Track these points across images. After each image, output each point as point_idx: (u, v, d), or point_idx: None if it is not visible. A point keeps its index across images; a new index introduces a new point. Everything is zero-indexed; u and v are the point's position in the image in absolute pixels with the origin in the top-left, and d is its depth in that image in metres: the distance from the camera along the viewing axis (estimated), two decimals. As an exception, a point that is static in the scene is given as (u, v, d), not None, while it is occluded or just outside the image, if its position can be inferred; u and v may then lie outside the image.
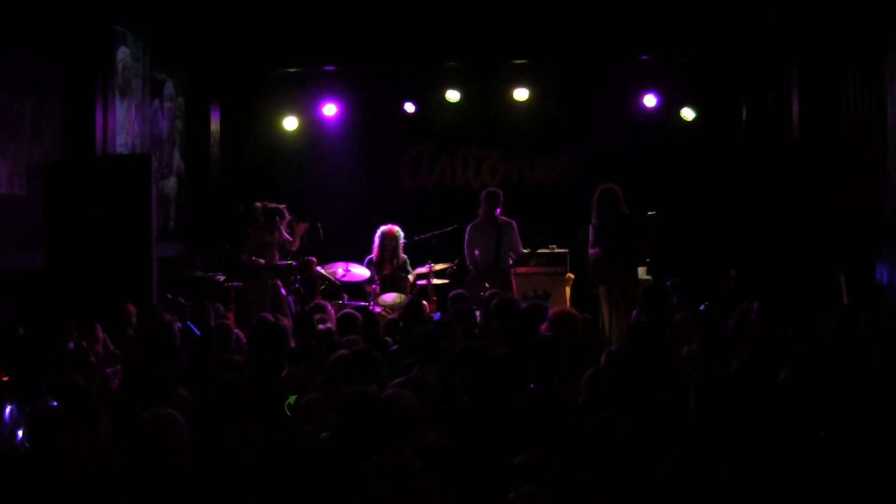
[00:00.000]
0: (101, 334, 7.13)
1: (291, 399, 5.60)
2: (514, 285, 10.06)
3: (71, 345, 6.56)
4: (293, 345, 7.03)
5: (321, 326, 7.36)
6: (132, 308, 8.07)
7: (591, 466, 3.67)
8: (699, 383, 4.38)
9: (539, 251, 10.43)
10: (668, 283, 9.39)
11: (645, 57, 12.12)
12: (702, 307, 7.58)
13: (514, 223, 10.22)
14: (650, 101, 12.33)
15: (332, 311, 8.39)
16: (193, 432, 4.34)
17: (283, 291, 10.33)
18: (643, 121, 12.35)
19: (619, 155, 12.05)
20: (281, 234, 10.51)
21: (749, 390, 4.12)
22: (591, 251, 9.30)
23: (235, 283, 10.68)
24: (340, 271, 10.76)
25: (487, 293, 8.35)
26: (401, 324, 7.59)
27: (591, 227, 9.37)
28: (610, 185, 9.36)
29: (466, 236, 10.26)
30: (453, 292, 8.43)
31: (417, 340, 6.19)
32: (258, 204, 10.64)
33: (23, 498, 3.81)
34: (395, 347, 7.11)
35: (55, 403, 5.34)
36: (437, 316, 8.69)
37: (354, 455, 4.13)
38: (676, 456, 3.92)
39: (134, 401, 5.06)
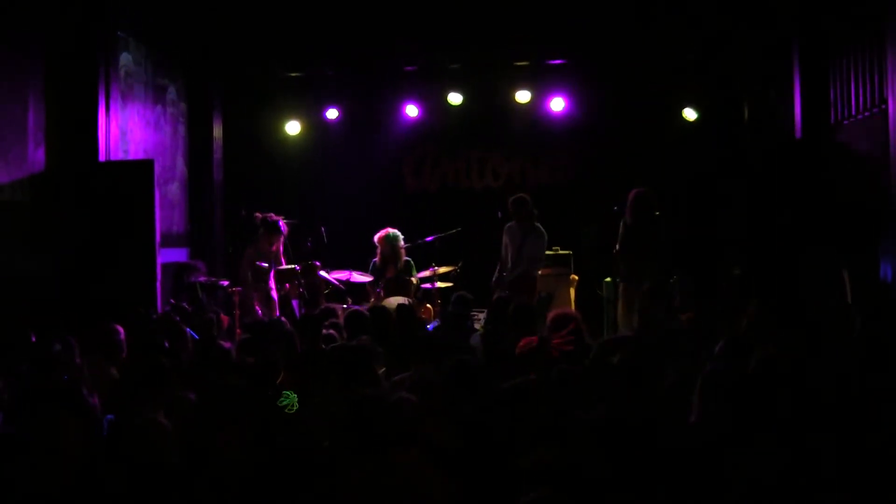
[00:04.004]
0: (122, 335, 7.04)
1: (291, 398, 5.50)
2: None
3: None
4: (298, 349, 6.98)
5: (332, 331, 7.31)
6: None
7: (599, 464, 3.66)
8: (707, 382, 4.36)
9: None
10: (670, 280, 9.40)
11: (646, 57, 12.09)
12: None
13: (544, 232, 9.99)
14: (651, 100, 12.30)
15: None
16: (194, 434, 4.33)
17: (274, 295, 10.39)
18: (645, 120, 12.32)
19: (621, 155, 12.04)
20: (278, 246, 10.52)
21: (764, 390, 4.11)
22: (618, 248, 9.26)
23: (239, 289, 10.66)
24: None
25: (494, 297, 8.30)
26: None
27: (622, 223, 9.28)
28: (648, 189, 9.29)
29: (502, 235, 10.15)
30: (456, 294, 8.42)
31: (418, 342, 6.13)
32: (258, 214, 10.60)
33: None
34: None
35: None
36: (432, 326, 8.61)
37: (359, 458, 4.12)
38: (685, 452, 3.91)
39: (132, 401, 5.02)
